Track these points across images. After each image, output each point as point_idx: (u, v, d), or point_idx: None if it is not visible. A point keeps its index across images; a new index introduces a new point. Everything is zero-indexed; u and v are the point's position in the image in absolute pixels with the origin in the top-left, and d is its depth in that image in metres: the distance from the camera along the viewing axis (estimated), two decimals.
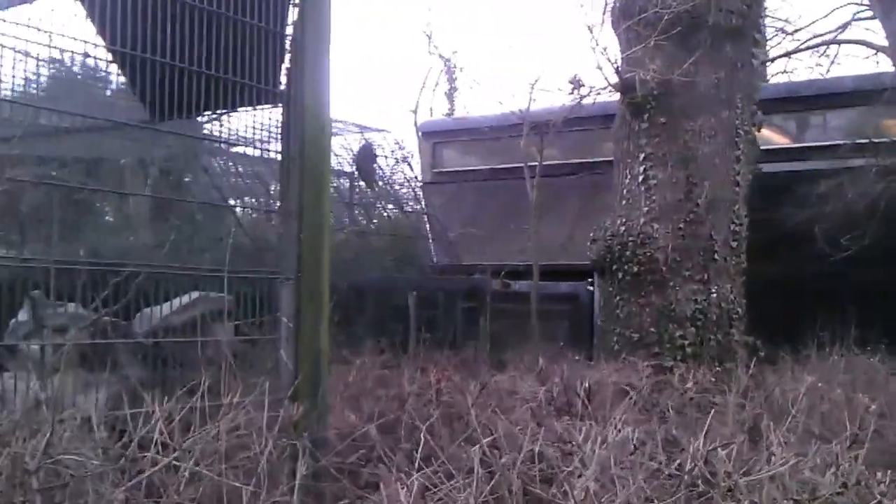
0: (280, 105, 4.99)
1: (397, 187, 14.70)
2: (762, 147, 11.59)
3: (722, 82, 9.97)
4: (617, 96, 10.63)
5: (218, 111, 5.40)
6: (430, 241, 14.14)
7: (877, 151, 11.97)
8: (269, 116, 5.32)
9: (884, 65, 14.47)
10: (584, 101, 11.98)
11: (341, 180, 13.84)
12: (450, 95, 31.13)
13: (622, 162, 10.39)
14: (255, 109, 5.27)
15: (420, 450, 3.62)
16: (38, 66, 4.57)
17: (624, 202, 10.21)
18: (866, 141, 12.27)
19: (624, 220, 10.09)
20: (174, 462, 3.18)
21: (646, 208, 9.94)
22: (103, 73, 6.01)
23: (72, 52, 4.46)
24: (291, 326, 4.50)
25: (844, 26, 16.62)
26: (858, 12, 16.34)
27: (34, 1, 4.17)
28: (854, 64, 25.25)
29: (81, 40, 4.27)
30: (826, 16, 17.19)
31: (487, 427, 4.29)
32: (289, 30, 4.88)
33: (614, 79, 10.28)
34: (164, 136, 6.13)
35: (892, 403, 6.09)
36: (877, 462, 4.20)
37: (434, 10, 40.54)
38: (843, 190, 11.50)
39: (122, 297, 4.89)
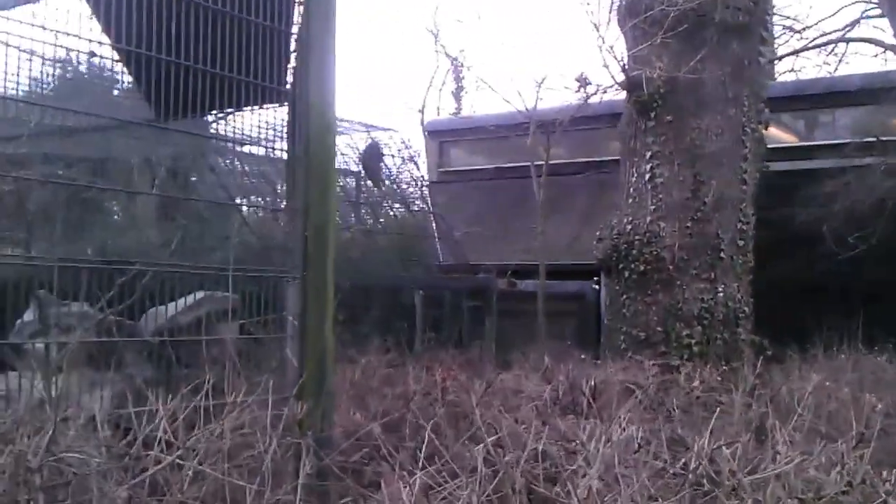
0: (286, 104, 4.99)
1: (404, 186, 14.70)
2: (770, 146, 11.56)
3: (728, 80, 9.95)
4: (623, 95, 10.61)
5: (224, 110, 5.40)
6: (437, 240, 14.13)
7: (884, 150, 11.92)
8: (274, 115, 5.33)
9: (892, 63, 14.50)
10: (591, 100, 11.99)
11: (348, 179, 13.84)
12: (456, 95, 31.18)
13: (629, 160, 10.37)
14: (260, 108, 5.28)
15: (424, 448, 3.61)
16: (42, 64, 4.58)
17: (630, 201, 10.19)
18: (874, 139, 12.22)
19: (630, 218, 10.07)
20: (178, 460, 3.18)
21: (652, 207, 9.92)
22: (110, 73, 6.03)
23: (77, 51, 4.46)
24: (297, 325, 4.50)
25: (853, 24, 16.59)
26: (867, 10, 16.31)
27: (38, 0, 4.17)
28: (862, 62, 25.18)
29: (86, 39, 4.27)
30: (834, 14, 17.20)
31: (492, 426, 4.29)
32: (294, 28, 4.87)
33: (621, 77, 10.27)
34: (171, 135, 6.14)
35: None
36: (883, 461, 4.18)
37: (440, 10, 40.54)
38: (850, 188, 11.46)
39: (129, 297, 4.90)
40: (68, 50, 4.51)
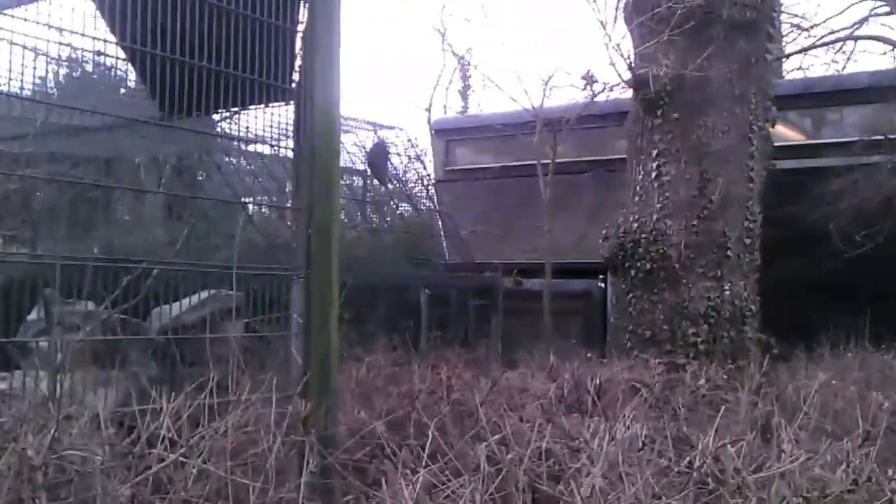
0: (292, 102, 4.99)
1: (410, 185, 14.70)
2: (777, 144, 11.53)
3: (735, 77, 9.92)
4: (630, 93, 10.60)
5: (230, 109, 5.40)
6: (443, 239, 14.13)
7: (892, 148, 11.88)
8: (280, 114, 5.32)
9: None
10: (598, 98, 11.98)
11: (354, 178, 13.85)
12: (463, 93, 31.19)
13: (635, 158, 10.35)
14: (266, 107, 5.28)
15: (428, 447, 3.61)
16: (47, 63, 4.59)
17: (637, 199, 10.17)
18: (882, 137, 12.18)
19: (637, 216, 10.05)
20: (181, 458, 3.18)
21: (659, 205, 9.90)
22: (116, 71, 6.03)
23: (82, 49, 4.47)
24: (301, 323, 4.51)
25: (861, 22, 16.54)
26: (875, 8, 16.26)
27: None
28: (870, 60, 25.11)
29: (91, 37, 4.27)
30: (842, 12, 17.12)
31: (496, 424, 4.28)
32: (301, 26, 4.87)
33: (627, 75, 10.27)
34: (178, 133, 6.15)
35: None
36: (889, 459, 4.17)
37: (447, 8, 40.55)
38: (858, 187, 11.43)
39: (135, 295, 4.90)
40: (74, 49, 4.52)
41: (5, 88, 4.35)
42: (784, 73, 17.27)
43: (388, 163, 13.51)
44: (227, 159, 11.14)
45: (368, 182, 13.82)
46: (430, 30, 46.32)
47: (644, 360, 8.31)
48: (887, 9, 15.35)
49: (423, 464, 3.37)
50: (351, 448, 4.30)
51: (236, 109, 5.40)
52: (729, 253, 9.67)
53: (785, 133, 13.86)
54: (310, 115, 4.59)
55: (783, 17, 16.24)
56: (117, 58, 4.77)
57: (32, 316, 5.27)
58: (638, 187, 10.20)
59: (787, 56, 16.75)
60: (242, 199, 10.68)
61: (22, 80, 4.31)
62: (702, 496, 3.50)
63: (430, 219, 14.49)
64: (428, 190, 14.93)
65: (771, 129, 10.83)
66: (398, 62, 51.28)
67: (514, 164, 15.54)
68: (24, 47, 4.14)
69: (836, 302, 10.30)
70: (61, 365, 3.80)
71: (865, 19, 16.46)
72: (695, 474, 3.57)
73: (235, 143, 8.54)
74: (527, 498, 3.23)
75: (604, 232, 10.49)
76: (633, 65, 10.22)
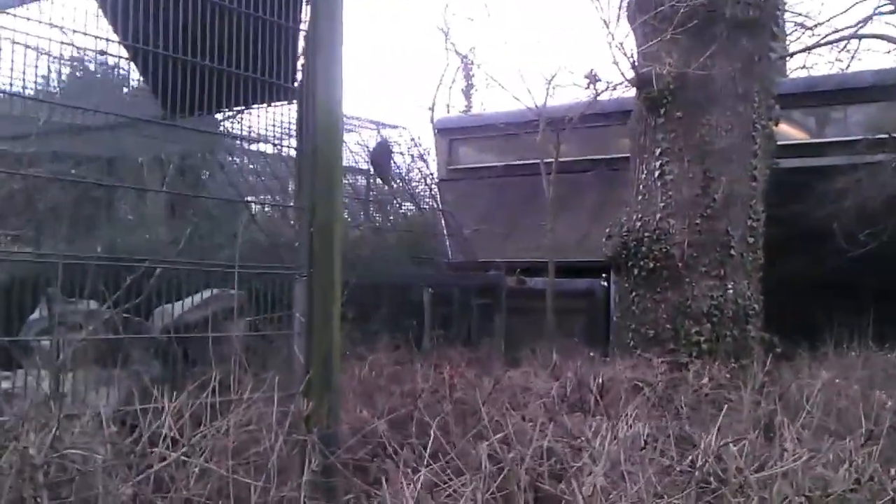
0: (295, 101, 4.99)
1: (414, 184, 14.69)
2: (780, 142, 11.50)
3: (739, 76, 9.90)
4: (633, 91, 10.59)
5: (234, 108, 5.40)
6: (446, 237, 14.13)
7: None
8: (283, 113, 5.32)
9: None
10: (601, 97, 11.97)
11: (358, 177, 13.85)
12: (466, 92, 31.18)
13: (638, 157, 10.34)
14: (270, 106, 5.27)
15: (430, 446, 3.61)
16: (49, 62, 4.59)
17: (640, 197, 10.16)
18: (886, 136, 12.14)
19: (640, 215, 10.05)
20: (183, 457, 3.18)
21: (662, 204, 9.89)
22: (119, 70, 6.04)
23: (85, 48, 4.47)
24: (304, 321, 4.51)
25: (865, 21, 16.46)
26: (879, 6, 16.18)
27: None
28: (875, 59, 25.01)
29: (93, 35, 4.27)
30: (846, 10, 17.05)
31: (499, 423, 4.28)
32: (304, 25, 4.87)
33: (630, 74, 10.26)
34: (181, 133, 6.15)
35: None
36: (892, 458, 4.15)
37: (450, 7, 40.56)
38: (861, 185, 11.41)
39: (138, 295, 4.91)
40: (77, 48, 4.52)
41: (8, 88, 4.35)
42: (788, 72, 17.22)
43: (392, 162, 13.51)
44: (230, 159, 11.15)
45: (372, 181, 13.82)
46: (433, 28, 46.29)
47: (647, 358, 8.31)
48: (892, 7, 15.28)
49: (425, 463, 3.37)
50: (353, 447, 4.31)
51: (239, 109, 5.41)
52: (732, 252, 9.66)
53: (788, 132, 13.83)
54: (312, 113, 4.59)
55: (787, 15, 16.17)
56: (119, 56, 4.77)
57: (35, 315, 5.28)
58: (641, 186, 10.19)
59: (791, 55, 16.67)
60: (245, 199, 10.68)
61: (24, 79, 4.31)
62: (704, 495, 3.49)
63: (433, 218, 14.49)
64: (431, 189, 14.94)
65: (774, 127, 10.80)
66: (401, 61, 51.25)
67: (518, 163, 15.52)
68: (26, 46, 4.14)
69: (839, 301, 10.27)
70: (62, 364, 3.81)
71: (870, 18, 16.38)
72: (697, 473, 3.56)
73: (239, 142, 8.55)
74: (528, 497, 3.23)
75: (607, 231, 10.48)
76: (636, 63, 10.21)
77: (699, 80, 9.72)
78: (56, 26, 4.13)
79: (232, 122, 6.25)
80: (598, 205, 13.97)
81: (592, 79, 12.01)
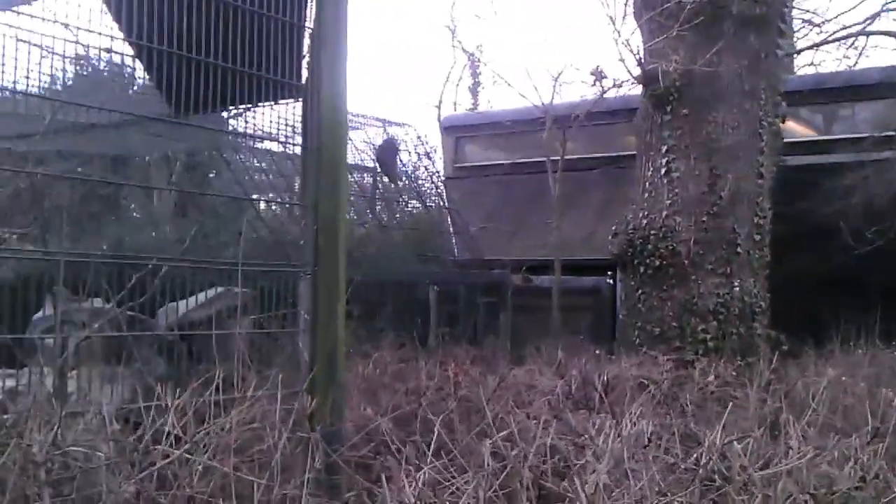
0: (301, 99, 4.98)
1: (420, 182, 14.69)
2: (787, 140, 11.46)
3: (745, 73, 9.86)
4: (639, 88, 10.56)
5: (240, 106, 5.41)
6: (452, 235, 14.13)
7: None
8: (290, 110, 5.32)
9: None
10: (607, 94, 11.94)
11: (364, 175, 13.85)
12: (473, 90, 31.19)
13: (645, 154, 10.31)
14: (276, 104, 5.28)
15: (433, 443, 3.61)
16: (52, 60, 4.59)
17: (646, 195, 10.13)
18: (893, 133, 12.10)
19: (646, 213, 10.02)
20: (186, 455, 3.19)
21: (668, 201, 9.86)
22: (125, 68, 6.04)
23: (89, 45, 4.47)
24: (308, 319, 4.51)
25: (873, 17, 16.39)
26: (888, 3, 16.11)
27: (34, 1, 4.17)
28: (883, 55, 24.92)
29: (98, 32, 4.28)
30: (854, 7, 16.94)
31: (504, 420, 4.28)
32: (309, 22, 4.87)
33: (637, 71, 10.23)
34: (188, 131, 6.16)
35: None
36: None
37: (457, 4, 40.52)
38: (868, 183, 11.36)
39: (143, 293, 4.92)
40: (83, 45, 4.53)
41: (16, 86, 4.36)
42: (795, 70, 17.16)
43: (398, 160, 13.50)
44: (236, 157, 11.16)
45: (378, 179, 13.82)
46: (440, 26, 46.25)
47: (653, 356, 8.29)
48: None
49: (428, 460, 3.36)
50: (357, 444, 4.31)
51: (246, 106, 5.41)
52: (738, 249, 9.63)
53: (796, 129, 13.79)
54: (317, 110, 4.59)
55: (795, 12, 16.13)
56: (123, 54, 4.77)
57: (40, 314, 5.29)
58: (647, 183, 10.16)
59: (799, 52, 16.62)
60: (251, 196, 10.69)
61: (27, 78, 4.31)
62: (708, 493, 3.48)
63: (439, 216, 14.49)
64: (437, 187, 14.93)
65: (781, 124, 10.76)
66: (408, 59, 51.27)
67: (524, 160, 15.50)
68: (29, 43, 4.14)
69: (846, 298, 10.24)
70: (66, 362, 3.81)
71: (878, 14, 16.32)
72: (701, 471, 3.55)
73: (245, 140, 8.55)
74: (531, 495, 3.22)
75: (613, 228, 10.46)
76: (642, 60, 10.18)
77: (706, 76, 9.68)
78: (60, 23, 4.14)
79: (237, 120, 6.26)
80: (605, 202, 13.94)
81: (599, 76, 11.97)
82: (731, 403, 5.19)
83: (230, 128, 6.64)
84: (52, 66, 4.56)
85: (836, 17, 16.93)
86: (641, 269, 9.92)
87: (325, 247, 4.44)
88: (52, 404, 3.32)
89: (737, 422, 4.94)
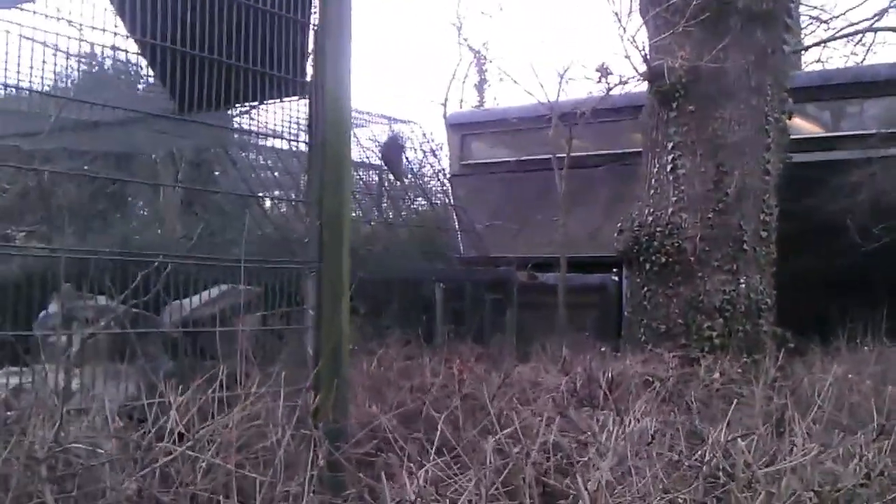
0: (307, 96, 4.98)
1: (425, 179, 14.69)
2: (794, 136, 11.43)
3: (752, 69, 9.83)
4: (645, 85, 10.54)
5: (246, 103, 5.41)
6: (458, 233, 14.12)
7: None
8: (295, 108, 5.32)
9: None
10: (613, 91, 11.91)
11: (370, 173, 13.85)
12: (479, 87, 31.17)
13: (650, 151, 10.29)
14: (281, 101, 5.27)
15: (437, 440, 3.61)
16: (55, 56, 4.60)
17: (652, 192, 10.11)
18: None
19: (652, 210, 10.00)
20: (188, 452, 3.19)
21: (674, 198, 9.84)
22: (131, 66, 6.05)
23: (94, 43, 4.48)
24: (314, 315, 4.51)
25: (881, 13, 16.33)
26: None
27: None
28: (891, 52, 24.81)
29: (102, 30, 4.28)
30: (862, 3, 16.89)
31: (507, 417, 4.27)
32: (314, 19, 4.86)
33: (642, 67, 10.20)
34: (194, 128, 6.16)
35: None
36: None
37: (462, 1, 40.50)
38: (875, 179, 11.33)
39: (149, 290, 4.92)
40: (90, 43, 4.53)
41: (22, 84, 4.36)
42: (803, 66, 17.11)
43: (404, 157, 13.50)
44: (242, 154, 11.18)
45: (384, 176, 13.82)
46: (446, 23, 46.26)
47: (658, 353, 8.28)
48: None
49: (431, 457, 3.36)
50: (361, 441, 4.31)
51: (251, 104, 5.41)
52: (745, 246, 9.60)
53: (802, 125, 13.75)
54: (320, 105, 4.59)
55: (802, 8, 16.08)
56: (127, 52, 4.78)
57: (49, 310, 5.30)
58: (653, 180, 10.14)
59: (806, 48, 16.59)
60: (257, 194, 10.71)
61: (30, 76, 4.32)
62: (711, 490, 3.47)
63: (445, 213, 14.49)
64: (443, 184, 14.93)
65: (788, 121, 10.73)
66: (414, 56, 51.24)
67: (530, 158, 15.47)
68: (34, 41, 4.15)
69: (852, 295, 10.21)
70: (69, 359, 3.82)
71: (885, 10, 16.26)
72: (705, 468, 3.54)
73: (250, 137, 8.56)
74: (534, 492, 3.22)
75: (619, 225, 10.44)
76: (648, 57, 10.16)
77: (712, 73, 9.66)
78: (66, 20, 4.15)
79: (242, 118, 6.27)
80: (610, 200, 13.92)
81: (604, 73, 11.94)
82: (736, 400, 5.19)
83: (236, 125, 6.65)
84: (56, 64, 4.56)
85: (843, 14, 16.93)
86: (647, 266, 9.91)
87: (329, 242, 4.44)
88: (55, 401, 3.33)
89: (742, 419, 4.93)
